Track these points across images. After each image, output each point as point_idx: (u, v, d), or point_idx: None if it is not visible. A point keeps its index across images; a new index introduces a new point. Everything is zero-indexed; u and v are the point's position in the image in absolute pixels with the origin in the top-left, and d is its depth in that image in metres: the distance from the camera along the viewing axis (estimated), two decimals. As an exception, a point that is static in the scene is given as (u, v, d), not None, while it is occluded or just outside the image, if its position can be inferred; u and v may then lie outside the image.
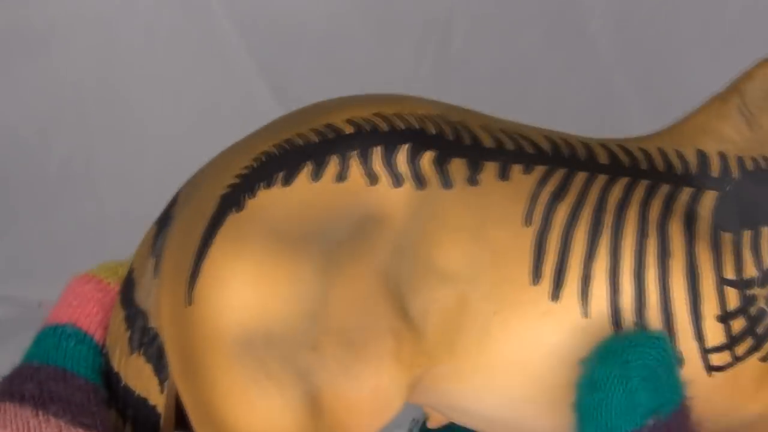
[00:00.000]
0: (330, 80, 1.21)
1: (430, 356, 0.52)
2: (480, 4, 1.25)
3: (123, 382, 0.54)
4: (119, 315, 0.55)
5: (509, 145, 0.54)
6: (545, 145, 0.55)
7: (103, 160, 1.29)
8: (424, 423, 0.60)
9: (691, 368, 0.53)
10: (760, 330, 0.54)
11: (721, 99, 0.60)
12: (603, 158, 0.56)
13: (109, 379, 0.55)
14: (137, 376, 0.54)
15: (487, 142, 0.54)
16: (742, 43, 1.29)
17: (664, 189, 0.55)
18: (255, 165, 0.52)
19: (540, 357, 0.52)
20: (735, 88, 0.60)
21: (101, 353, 0.55)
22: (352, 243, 0.51)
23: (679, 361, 0.53)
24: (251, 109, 1.24)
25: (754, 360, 0.54)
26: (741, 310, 0.54)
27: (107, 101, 1.29)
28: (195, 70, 1.29)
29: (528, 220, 0.53)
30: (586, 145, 0.57)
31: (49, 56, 1.28)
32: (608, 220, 0.53)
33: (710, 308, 0.53)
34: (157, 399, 0.54)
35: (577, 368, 0.51)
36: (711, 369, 0.53)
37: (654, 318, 0.53)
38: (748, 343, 0.54)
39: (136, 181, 1.30)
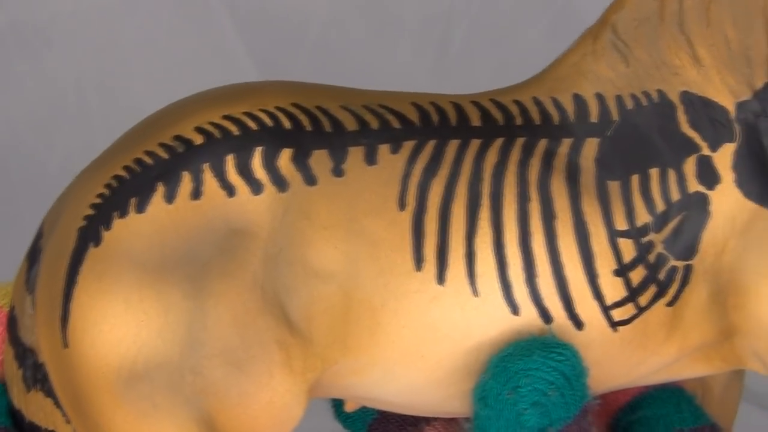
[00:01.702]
0: (330, 79, 1.21)
1: (324, 358, 0.51)
2: (480, 4, 1.25)
3: (27, 419, 0.54)
4: (10, 353, 0.54)
5: (374, 123, 0.52)
6: (413, 116, 0.52)
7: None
8: None
9: (595, 328, 0.52)
10: (662, 276, 0.53)
11: (592, 35, 0.56)
12: (476, 119, 0.53)
13: (15, 417, 0.54)
14: (40, 411, 0.53)
15: (350, 123, 0.52)
16: None
17: (543, 144, 0.53)
18: (108, 193, 0.50)
19: (435, 343, 0.51)
20: (605, 21, 0.56)
21: (4, 392, 0.54)
22: (219, 261, 0.49)
23: (581, 371, 0.51)
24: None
25: (660, 306, 0.53)
26: (639, 260, 0.52)
27: (107, 100, 1.29)
28: (195, 69, 1.29)
29: (402, 203, 0.51)
30: (458, 106, 0.54)
31: (50, 55, 1.28)
32: (486, 189, 0.51)
33: (605, 264, 0.52)
34: (65, 430, 0.53)
35: (478, 349, 0.51)
36: (615, 325, 0.52)
37: (547, 285, 0.51)
38: (652, 291, 0.53)
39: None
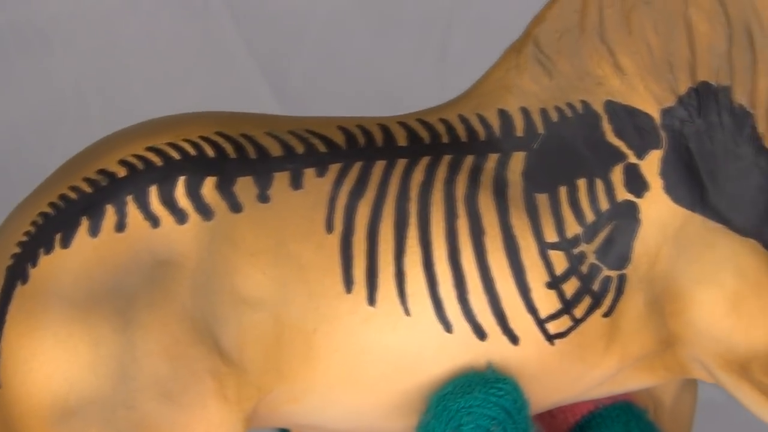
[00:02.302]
0: (330, 79, 1.21)
1: (259, 386, 0.50)
2: (480, 4, 1.25)
3: None
4: None
5: (299, 149, 0.51)
6: (339, 139, 0.52)
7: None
8: None
9: (531, 342, 0.52)
10: (596, 286, 0.52)
11: (515, 50, 0.56)
12: (402, 139, 0.53)
13: None
14: None
15: (275, 150, 0.51)
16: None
17: (469, 161, 0.53)
18: (33, 230, 0.51)
19: (370, 365, 0.51)
20: (528, 35, 0.56)
21: None
22: (146, 293, 0.49)
23: (523, 403, 0.51)
24: (251, 106, 1.24)
25: (596, 318, 0.53)
26: (571, 271, 0.52)
27: (108, 100, 1.29)
28: (195, 69, 1.29)
29: (330, 226, 0.51)
30: (384, 127, 0.53)
31: (50, 56, 1.28)
32: (413, 208, 0.51)
33: (537, 277, 0.52)
34: None
35: (415, 369, 0.50)
36: (552, 338, 0.52)
37: (479, 301, 0.51)
38: (586, 302, 0.52)
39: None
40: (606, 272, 0.52)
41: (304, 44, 1.26)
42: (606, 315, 0.53)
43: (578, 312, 0.52)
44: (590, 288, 0.52)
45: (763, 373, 0.53)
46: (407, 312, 0.50)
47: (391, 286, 0.50)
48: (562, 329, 0.52)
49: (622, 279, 0.53)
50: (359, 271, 0.50)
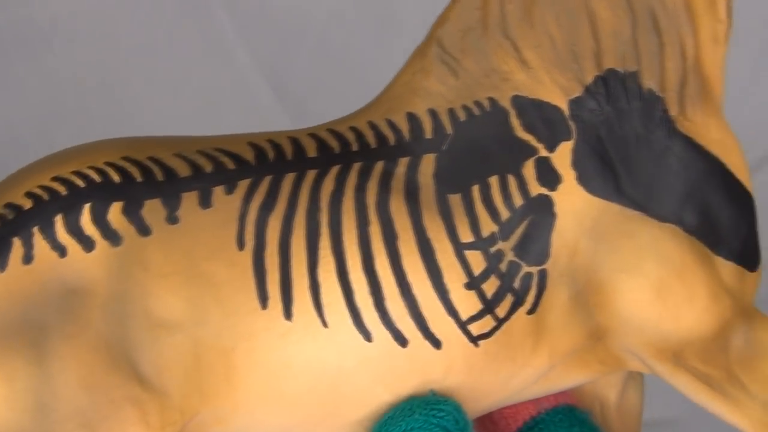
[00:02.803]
0: (329, 78, 1.21)
1: (183, 410, 0.49)
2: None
3: None
4: None
5: (207, 167, 0.51)
6: (249, 155, 0.52)
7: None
8: None
9: (454, 345, 0.51)
10: (516, 284, 0.52)
11: (420, 53, 0.56)
12: (312, 150, 0.52)
13: None
14: None
15: (183, 170, 0.51)
16: (742, 43, 1.28)
17: (379, 167, 0.52)
18: None
19: (292, 380, 0.50)
20: (431, 37, 0.56)
21: None
22: (59, 323, 0.48)
23: (465, 424, 0.50)
24: (251, 106, 1.24)
25: (521, 315, 0.52)
26: (490, 270, 0.51)
27: (108, 100, 1.29)
28: (195, 68, 1.29)
29: (241, 242, 0.50)
30: (295, 140, 0.53)
31: (50, 55, 1.28)
32: (324, 218, 0.51)
33: (455, 278, 0.51)
34: None
35: (338, 381, 0.49)
36: (476, 339, 0.51)
37: (396, 307, 0.50)
38: (509, 300, 0.52)
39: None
40: (526, 269, 0.52)
41: (304, 44, 1.26)
42: (530, 312, 0.52)
43: (501, 311, 0.52)
44: (511, 286, 0.52)
45: (698, 359, 0.53)
46: (325, 323, 0.50)
47: (306, 299, 0.50)
48: (485, 330, 0.51)
49: (542, 274, 0.52)
50: (273, 285, 0.50)
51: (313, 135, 0.54)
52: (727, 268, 0.54)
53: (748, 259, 0.55)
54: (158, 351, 0.49)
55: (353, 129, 0.54)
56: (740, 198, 0.55)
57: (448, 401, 0.51)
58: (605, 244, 0.52)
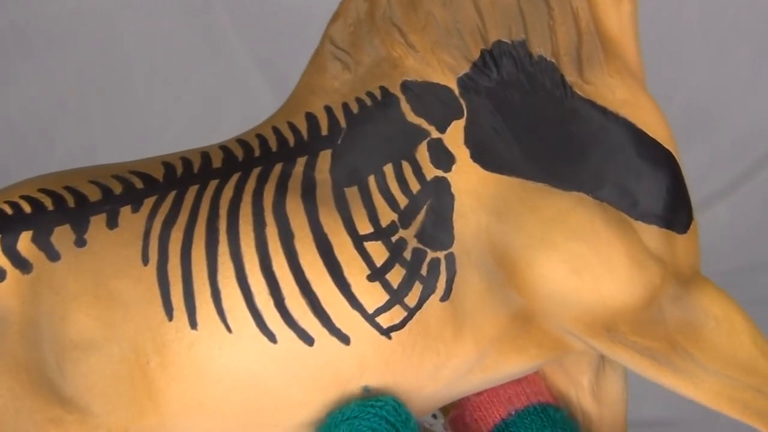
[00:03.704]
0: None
1: (109, 428, 0.50)
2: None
3: None
4: None
5: (117, 189, 0.52)
6: (158, 173, 0.52)
7: (103, 159, 1.28)
8: None
9: (363, 339, 0.50)
10: (423, 271, 0.50)
11: (316, 52, 0.56)
12: (218, 161, 0.52)
13: None
14: None
15: (94, 195, 0.51)
16: (742, 43, 1.28)
17: (278, 169, 0.52)
18: None
19: (207, 388, 0.50)
20: (324, 35, 0.56)
21: None
22: None
23: (407, 416, 0.49)
24: (251, 104, 1.24)
25: (434, 303, 0.51)
26: (393, 260, 0.50)
27: (108, 98, 1.29)
28: (195, 66, 1.29)
29: (145, 258, 0.50)
30: (205, 153, 0.53)
31: (50, 55, 1.28)
32: (222, 225, 0.50)
33: (356, 271, 0.50)
34: None
35: (251, 385, 0.49)
36: (386, 332, 0.50)
37: (297, 306, 0.49)
38: (417, 288, 0.50)
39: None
40: (432, 254, 0.50)
41: (304, 44, 1.26)
42: (443, 299, 0.51)
43: (411, 300, 0.50)
44: (418, 273, 0.50)
45: (633, 332, 0.51)
46: (229, 329, 0.49)
47: (209, 306, 0.49)
48: (396, 321, 0.50)
49: (450, 258, 0.51)
50: (177, 296, 0.50)
51: (222, 146, 0.54)
52: (649, 232, 0.51)
53: (674, 221, 0.52)
54: (78, 371, 0.50)
55: (258, 136, 0.54)
56: (655, 157, 0.52)
57: (385, 396, 0.50)
58: (510, 221, 0.51)
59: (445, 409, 0.60)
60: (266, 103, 1.32)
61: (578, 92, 0.52)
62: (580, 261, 0.50)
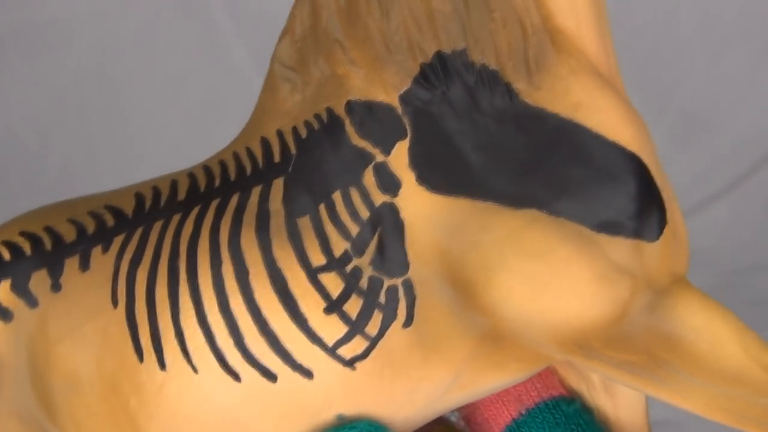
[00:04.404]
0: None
1: None
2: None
3: None
4: None
5: (90, 228, 0.51)
6: (129, 207, 0.51)
7: (102, 160, 1.29)
8: None
9: (327, 372, 0.48)
10: (382, 299, 0.48)
11: (268, 72, 0.53)
12: (183, 192, 0.51)
13: None
14: None
15: (70, 235, 0.51)
16: (742, 43, 1.28)
17: (234, 201, 0.50)
18: None
19: (183, 426, 0.49)
20: (273, 56, 0.53)
21: None
22: None
23: None
24: (251, 104, 1.24)
25: (396, 330, 0.49)
26: (349, 290, 0.48)
27: (107, 101, 1.29)
28: (195, 69, 1.29)
29: (114, 300, 0.50)
30: (173, 182, 0.52)
31: (50, 55, 1.28)
32: (182, 264, 0.49)
33: (311, 305, 0.48)
34: None
35: (222, 423, 0.49)
36: (350, 363, 0.48)
37: (257, 344, 0.48)
38: (377, 317, 0.48)
39: (136, 181, 1.29)
40: (388, 282, 0.49)
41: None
42: (406, 325, 0.49)
43: (371, 329, 0.49)
44: (376, 302, 0.48)
45: (607, 347, 0.48)
46: (195, 369, 0.49)
47: (175, 347, 0.49)
48: (358, 351, 0.49)
49: (407, 284, 0.49)
50: (145, 338, 0.49)
51: (190, 173, 0.53)
52: (614, 244, 0.48)
53: (641, 230, 0.48)
54: (65, 412, 0.50)
55: (220, 162, 0.52)
56: (614, 163, 0.49)
57: (359, 421, 0.50)
58: (464, 243, 0.48)
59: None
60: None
61: (526, 100, 0.49)
62: (537, 281, 0.48)
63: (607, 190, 0.48)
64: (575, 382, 0.58)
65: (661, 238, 0.49)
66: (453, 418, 0.60)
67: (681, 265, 0.51)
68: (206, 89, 1.29)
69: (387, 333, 0.49)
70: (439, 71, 0.49)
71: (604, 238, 0.48)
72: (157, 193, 0.52)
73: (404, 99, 0.50)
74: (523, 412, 0.57)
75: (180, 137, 1.28)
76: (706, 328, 0.48)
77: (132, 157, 1.28)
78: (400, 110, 0.50)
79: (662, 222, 0.49)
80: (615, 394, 0.57)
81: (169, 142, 1.28)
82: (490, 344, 0.50)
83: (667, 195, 0.50)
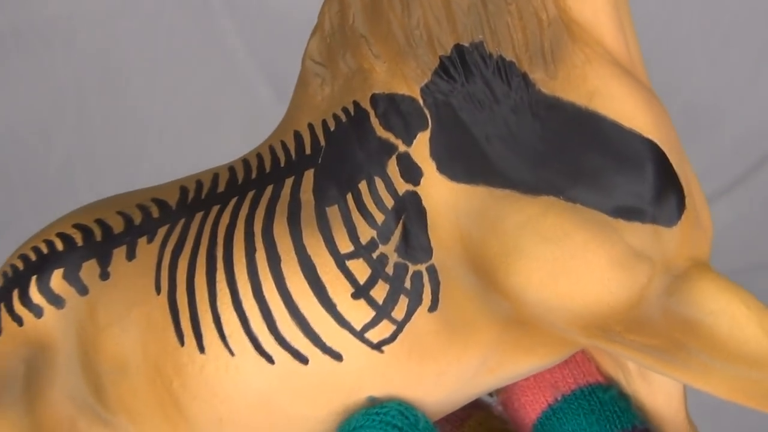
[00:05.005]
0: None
1: None
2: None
3: None
4: None
5: (137, 219, 0.54)
6: (173, 199, 0.54)
7: (103, 159, 1.29)
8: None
9: (356, 355, 0.50)
10: (407, 284, 0.50)
11: (300, 70, 0.56)
12: (222, 184, 0.54)
13: None
14: None
15: (118, 226, 0.54)
16: (742, 43, 1.29)
17: (269, 192, 0.52)
18: None
19: (223, 406, 0.52)
20: (304, 53, 0.56)
21: None
22: (37, 381, 0.54)
23: (416, 418, 0.50)
24: (251, 107, 1.24)
25: (422, 314, 0.50)
26: (376, 276, 0.50)
27: (107, 101, 1.29)
28: (195, 69, 1.29)
29: (158, 288, 0.52)
30: (215, 176, 0.55)
31: (50, 56, 1.28)
32: (220, 253, 0.52)
33: (340, 291, 0.50)
34: None
35: (258, 404, 0.51)
36: (378, 346, 0.50)
37: (288, 328, 0.50)
38: (404, 302, 0.50)
39: (137, 180, 1.29)
40: (413, 267, 0.50)
41: (304, 44, 1.26)
42: (432, 309, 0.50)
43: (398, 314, 0.50)
44: (402, 287, 0.50)
45: (628, 330, 0.49)
46: (231, 352, 0.51)
47: (213, 331, 0.51)
48: (386, 335, 0.50)
49: (432, 270, 0.50)
50: (186, 323, 0.52)
51: (230, 167, 0.55)
52: (631, 229, 0.49)
53: (659, 215, 0.49)
54: (114, 395, 0.53)
55: (258, 155, 0.55)
56: (631, 150, 0.50)
57: (390, 402, 0.51)
58: (484, 230, 0.50)
59: (497, 390, 0.60)
60: (266, 103, 1.33)
61: (543, 89, 0.50)
62: (555, 266, 0.49)
63: (623, 176, 0.49)
64: (612, 368, 0.58)
65: (680, 223, 0.50)
66: (492, 401, 0.61)
67: (702, 250, 0.51)
68: (206, 88, 1.29)
69: (413, 317, 0.50)
70: (458, 63, 0.51)
71: (621, 224, 0.49)
72: (199, 185, 0.54)
73: (425, 91, 0.51)
74: (559, 398, 0.57)
75: (181, 136, 1.28)
76: (724, 310, 0.49)
77: (133, 155, 1.28)
78: (421, 102, 0.51)
79: (681, 207, 0.50)
80: (652, 381, 0.57)
81: (169, 141, 1.28)
82: (516, 328, 0.51)
83: (687, 181, 0.51)
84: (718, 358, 0.48)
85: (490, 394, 0.61)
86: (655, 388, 0.57)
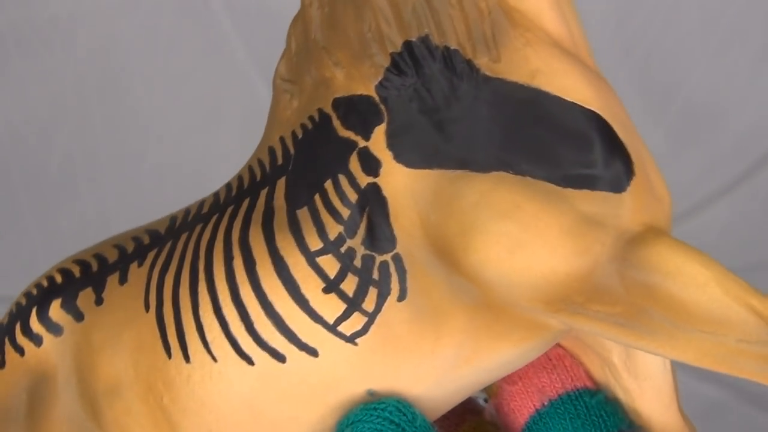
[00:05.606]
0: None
1: None
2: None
3: None
4: None
5: (130, 248, 0.57)
6: (163, 227, 0.57)
7: (103, 159, 1.29)
8: None
9: (331, 349, 0.51)
10: (375, 275, 0.51)
11: (272, 90, 0.59)
12: (206, 207, 0.57)
13: None
14: None
15: (112, 256, 0.57)
16: (742, 43, 1.29)
17: (245, 205, 0.55)
18: None
19: (211, 416, 0.53)
20: (274, 74, 0.60)
21: None
22: (39, 407, 0.57)
23: (413, 415, 0.51)
24: (251, 107, 1.24)
25: (392, 304, 0.51)
26: (345, 270, 0.52)
27: (108, 100, 1.29)
28: (195, 68, 1.29)
29: (146, 306, 0.54)
30: (201, 202, 0.58)
31: (50, 55, 1.28)
32: (201, 265, 0.54)
33: (311, 287, 0.52)
34: None
35: (243, 407, 0.52)
36: (350, 339, 0.51)
37: (265, 327, 0.52)
38: (373, 293, 0.51)
39: (137, 180, 1.29)
40: (379, 258, 0.52)
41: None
42: (401, 299, 0.51)
43: (368, 305, 0.51)
44: (371, 278, 0.51)
45: (589, 300, 0.50)
46: (214, 358, 0.52)
47: (196, 339, 0.53)
48: (358, 327, 0.51)
49: (397, 259, 0.52)
50: (172, 336, 0.54)
51: (215, 193, 0.58)
52: (581, 197, 0.50)
53: (606, 182, 0.50)
54: (110, 416, 0.55)
55: (238, 177, 0.57)
56: (575, 121, 0.51)
57: (388, 399, 0.51)
58: (441, 212, 0.51)
59: (490, 393, 0.60)
60: (266, 103, 1.32)
61: (487, 73, 0.52)
62: (510, 240, 0.50)
63: (568, 146, 0.51)
64: (599, 369, 0.58)
65: (630, 189, 0.51)
66: (482, 402, 0.61)
67: (658, 219, 0.52)
68: (207, 88, 1.29)
69: (383, 308, 0.51)
70: (407, 58, 0.53)
71: (570, 192, 0.50)
72: (187, 212, 0.58)
73: (379, 88, 0.54)
74: (546, 403, 0.57)
75: (181, 135, 1.28)
76: (680, 271, 0.49)
77: (133, 155, 1.28)
78: (377, 98, 0.54)
79: (629, 172, 0.51)
80: (638, 375, 0.57)
81: (170, 140, 1.28)
82: (486, 313, 0.52)
83: (637, 152, 0.52)
84: (680, 321, 0.48)
85: (485, 400, 0.61)
86: (643, 383, 0.57)
